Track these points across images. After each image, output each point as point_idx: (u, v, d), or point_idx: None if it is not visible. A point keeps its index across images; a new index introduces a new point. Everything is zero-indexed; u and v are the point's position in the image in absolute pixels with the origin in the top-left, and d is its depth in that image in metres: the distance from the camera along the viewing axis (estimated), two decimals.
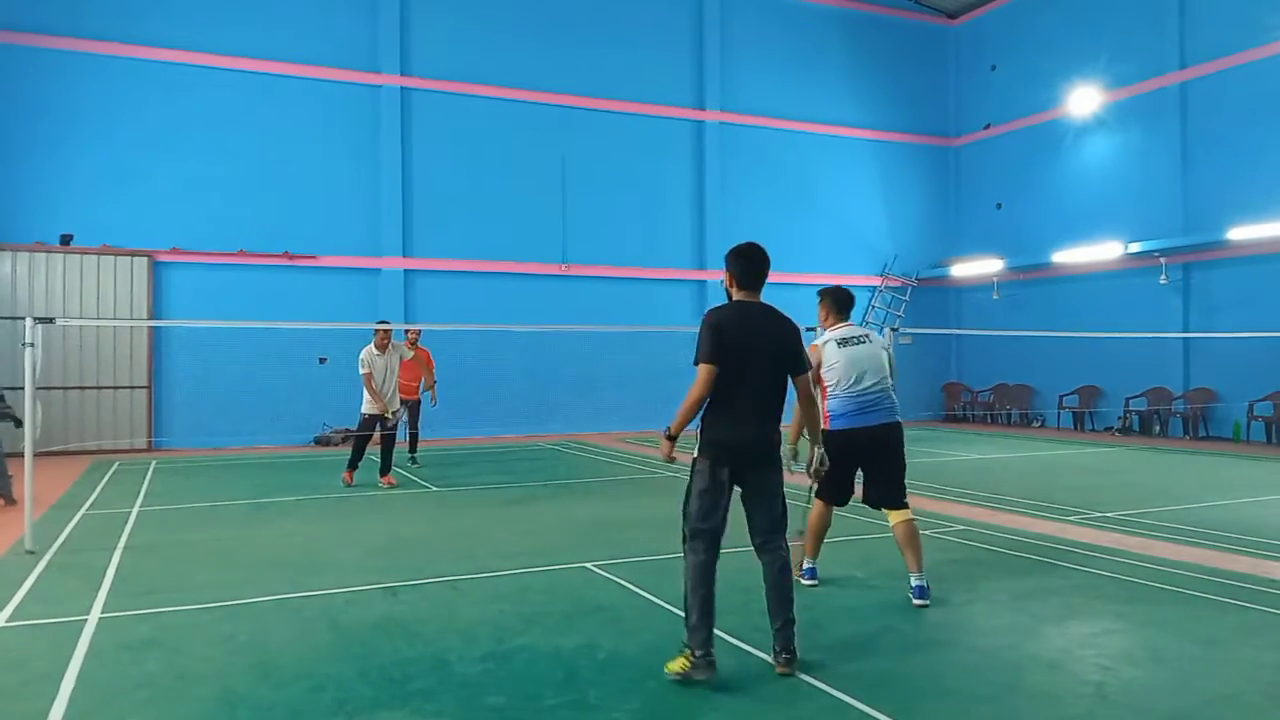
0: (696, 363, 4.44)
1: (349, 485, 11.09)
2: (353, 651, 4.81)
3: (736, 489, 4.54)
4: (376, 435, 11.24)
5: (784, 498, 4.62)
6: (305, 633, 5.16)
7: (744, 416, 4.46)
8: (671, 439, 4.52)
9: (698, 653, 4.28)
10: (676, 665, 4.30)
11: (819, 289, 6.31)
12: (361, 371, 11.16)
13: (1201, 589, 6.03)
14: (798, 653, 4.48)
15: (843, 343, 5.95)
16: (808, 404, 4.79)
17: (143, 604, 5.78)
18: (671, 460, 4.58)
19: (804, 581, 6.07)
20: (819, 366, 5.93)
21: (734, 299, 4.67)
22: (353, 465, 11.24)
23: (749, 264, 4.62)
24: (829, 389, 5.90)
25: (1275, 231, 15.57)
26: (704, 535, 4.43)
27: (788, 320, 4.63)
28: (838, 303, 6.17)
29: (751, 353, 4.44)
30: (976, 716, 3.97)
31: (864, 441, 5.80)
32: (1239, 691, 4.23)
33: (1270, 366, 15.58)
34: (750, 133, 20.89)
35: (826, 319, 6.18)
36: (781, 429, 4.60)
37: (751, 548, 4.60)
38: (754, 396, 4.46)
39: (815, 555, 6.24)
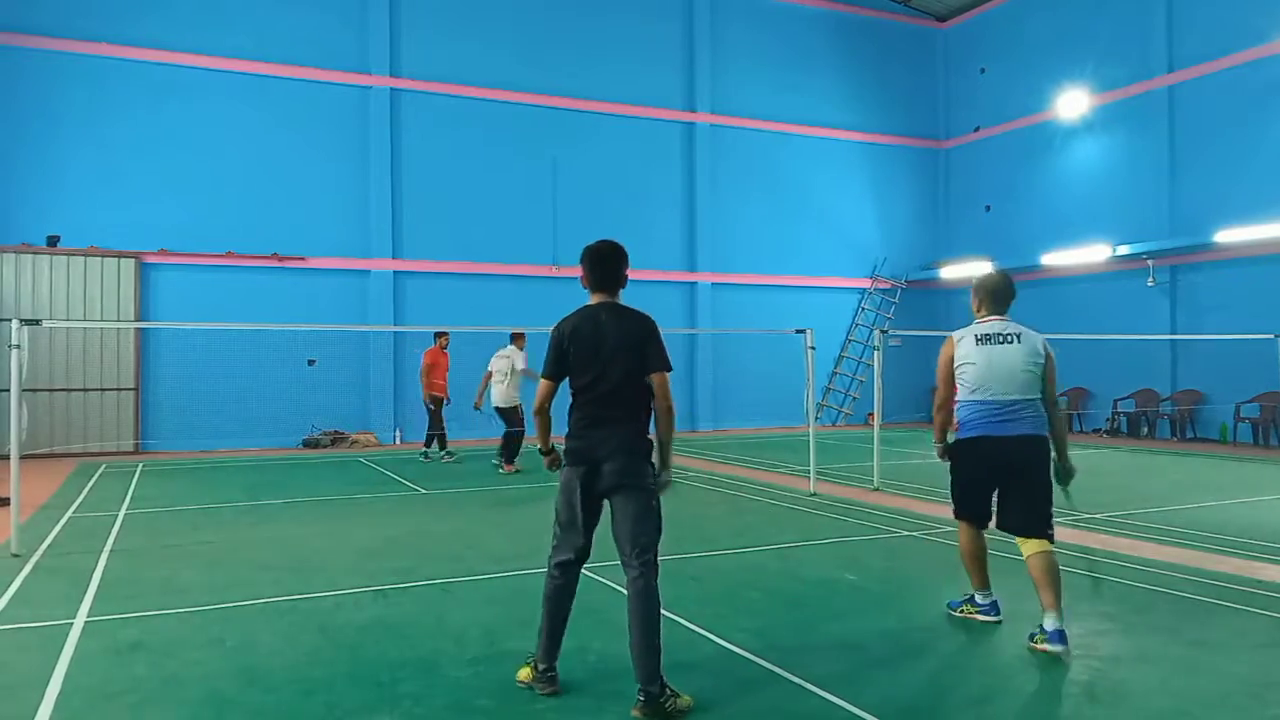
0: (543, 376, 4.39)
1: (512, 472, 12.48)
2: (342, 655, 4.79)
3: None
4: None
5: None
6: (294, 636, 5.14)
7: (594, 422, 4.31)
8: (545, 454, 4.66)
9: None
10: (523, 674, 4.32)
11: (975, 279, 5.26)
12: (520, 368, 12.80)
13: (1189, 590, 6.06)
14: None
15: (983, 339, 4.93)
16: (664, 413, 4.28)
17: (130, 607, 5.74)
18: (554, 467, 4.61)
19: (979, 618, 5.25)
20: (948, 364, 5.06)
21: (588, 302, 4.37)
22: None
23: (597, 263, 4.33)
24: (958, 392, 5.03)
25: (1261, 234, 15.67)
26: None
27: (640, 316, 4.30)
28: (991, 292, 5.05)
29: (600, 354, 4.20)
30: (965, 718, 3.98)
31: (995, 455, 4.89)
32: (1226, 692, 4.25)
33: (1256, 368, 15.65)
34: (740, 135, 20.94)
35: (978, 310, 5.12)
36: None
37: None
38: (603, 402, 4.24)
39: (984, 585, 5.27)
